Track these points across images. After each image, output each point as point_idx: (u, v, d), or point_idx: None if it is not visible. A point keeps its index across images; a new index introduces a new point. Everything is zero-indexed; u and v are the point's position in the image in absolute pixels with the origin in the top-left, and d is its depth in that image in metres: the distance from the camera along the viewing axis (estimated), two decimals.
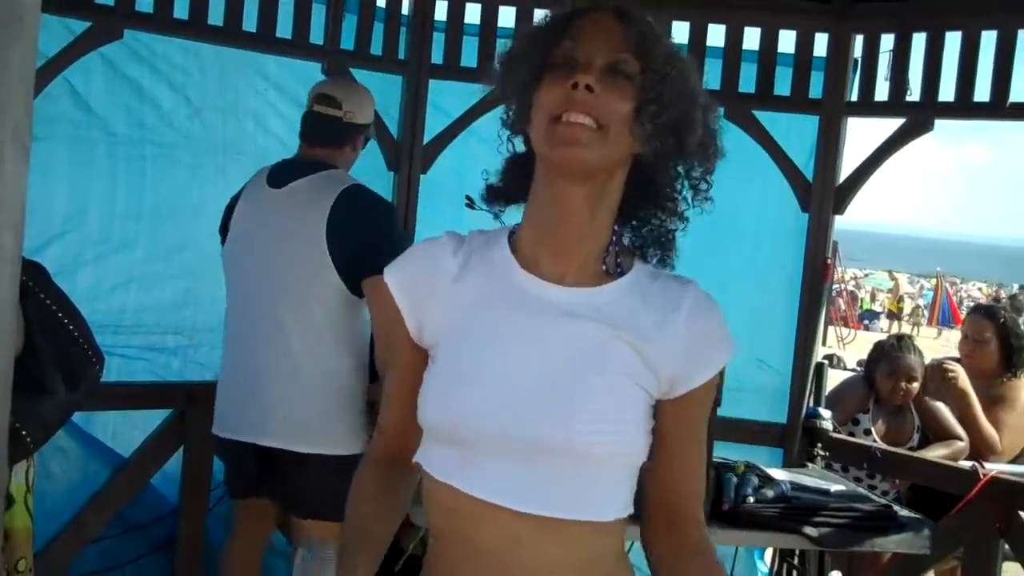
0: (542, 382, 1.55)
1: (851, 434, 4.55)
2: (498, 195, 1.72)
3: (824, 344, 14.15)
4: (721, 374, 1.72)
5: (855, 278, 39.29)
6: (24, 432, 2.67)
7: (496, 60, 1.66)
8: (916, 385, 4.55)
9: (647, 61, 1.55)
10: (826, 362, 4.60)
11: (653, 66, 1.55)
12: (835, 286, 21.65)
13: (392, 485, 1.71)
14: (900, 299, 33.63)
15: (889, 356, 4.61)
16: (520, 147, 1.69)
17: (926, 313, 31.27)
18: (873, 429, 4.53)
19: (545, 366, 1.56)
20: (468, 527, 1.56)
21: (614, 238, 1.64)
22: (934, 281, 33.91)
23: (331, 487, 3.31)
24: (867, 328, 29.11)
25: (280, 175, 3.54)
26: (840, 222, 4.55)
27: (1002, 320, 4.79)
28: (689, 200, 1.68)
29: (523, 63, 1.60)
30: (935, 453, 4.44)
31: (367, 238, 3.38)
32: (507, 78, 1.63)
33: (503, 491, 1.51)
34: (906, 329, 31.08)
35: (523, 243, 1.64)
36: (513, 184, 1.70)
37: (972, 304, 32.89)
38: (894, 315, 32.14)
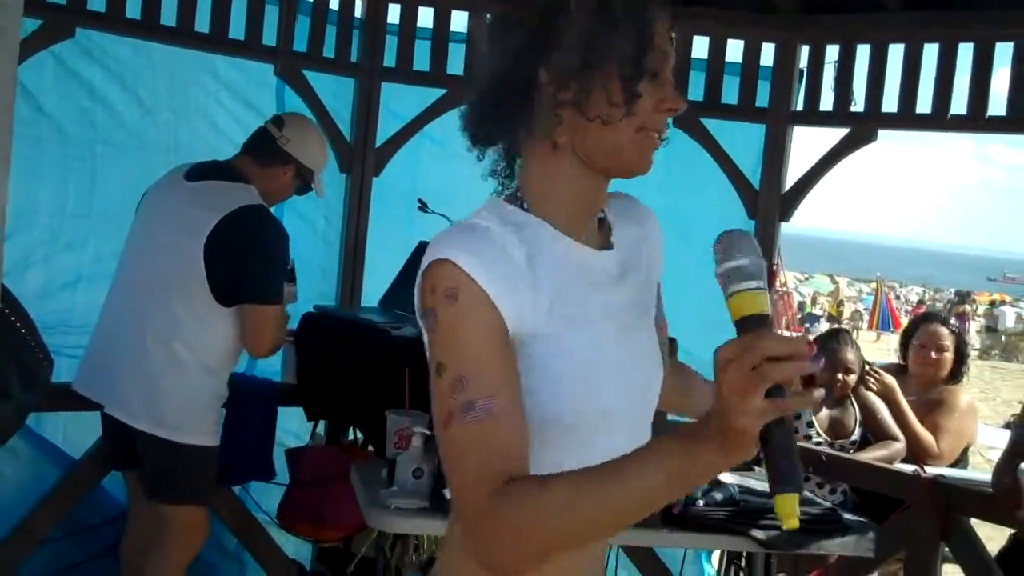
0: (634, 358, 1.62)
1: (795, 429, 4.61)
2: (486, 126, 1.63)
3: None
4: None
5: (797, 281, 39.69)
6: None
7: None
8: (853, 377, 4.61)
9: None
10: None
11: None
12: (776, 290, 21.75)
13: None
14: (840, 303, 34.07)
15: (826, 349, 4.67)
16: None
17: (866, 316, 31.72)
18: (815, 420, 4.60)
19: (628, 339, 1.61)
20: None
21: None
22: (874, 285, 34.39)
23: (174, 472, 3.58)
24: (808, 331, 29.44)
25: (199, 172, 3.66)
26: (783, 227, 4.63)
27: (955, 330, 4.91)
28: None
29: (626, 37, 1.52)
30: (872, 455, 4.51)
31: (241, 264, 3.51)
32: (596, 32, 1.53)
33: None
34: None
35: (554, 218, 1.59)
36: (502, 121, 1.61)
37: (911, 308, 33.14)
38: (834, 318, 32.52)
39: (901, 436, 4.57)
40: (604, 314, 1.58)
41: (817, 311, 34.27)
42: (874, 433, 4.63)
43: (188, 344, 3.55)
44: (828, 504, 3.64)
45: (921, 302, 38.30)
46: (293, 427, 4.42)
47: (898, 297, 39.30)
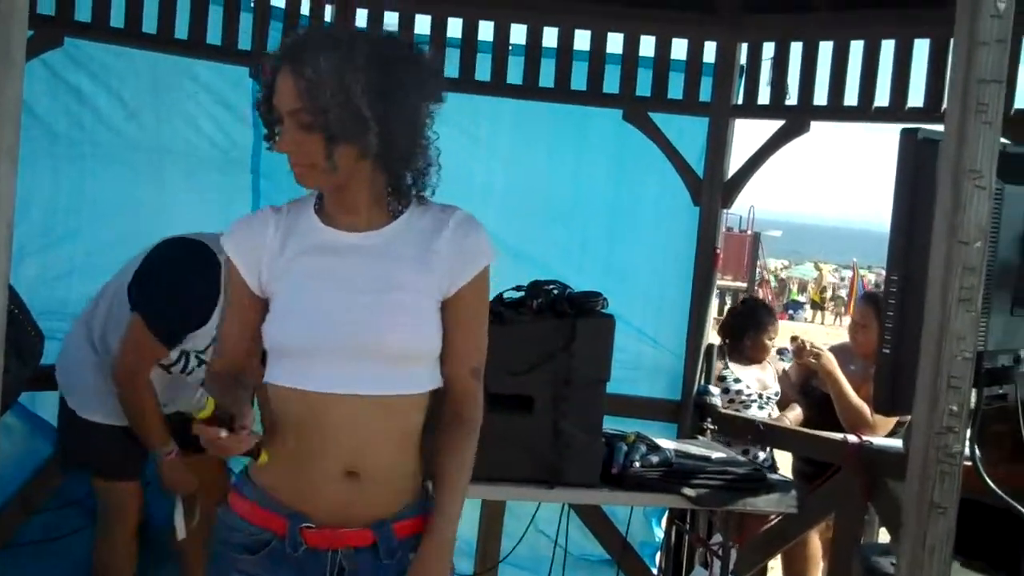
0: (352, 304, 2.11)
1: (725, 390, 5.02)
2: None
3: None
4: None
5: (783, 268, 40.01)
6: None
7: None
8: (773, 340, 5.37)
9: (314, 102, 2.03)
10: (715, 344, 5.03)
11: (319, 104, 2.03)
12: (757, 277, 22.06)
13: (236, 378, 2.19)
14: (823, 289, 34.45)
15: (756, 320, 5.32)
16: None
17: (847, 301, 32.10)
18: (741, 377, 5.13)
19: (352, 292, 2.12)
20: (315, 415, 2.10)
21: (388, 189, 2.17)
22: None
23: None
24: (791, 318, 29.73)
25: None
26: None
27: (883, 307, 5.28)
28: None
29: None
30: (785, 421, 5.05)
31: (138, 274, 3.71)
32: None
33: (341, 383, 2.09)
34: (829, 318, 31.87)
35: (326, 206, 2.20)
36: None
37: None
38: (817, 305, 32.89)
39: (796, 405, 5.17)
40: (325, 274, 2.14)
41: (802, 298, 34.64)
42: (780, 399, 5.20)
43: (100, 336, 3.78)
44: (754, 464, 3.98)
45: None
46: None
47: (878, 285, 39.63)
